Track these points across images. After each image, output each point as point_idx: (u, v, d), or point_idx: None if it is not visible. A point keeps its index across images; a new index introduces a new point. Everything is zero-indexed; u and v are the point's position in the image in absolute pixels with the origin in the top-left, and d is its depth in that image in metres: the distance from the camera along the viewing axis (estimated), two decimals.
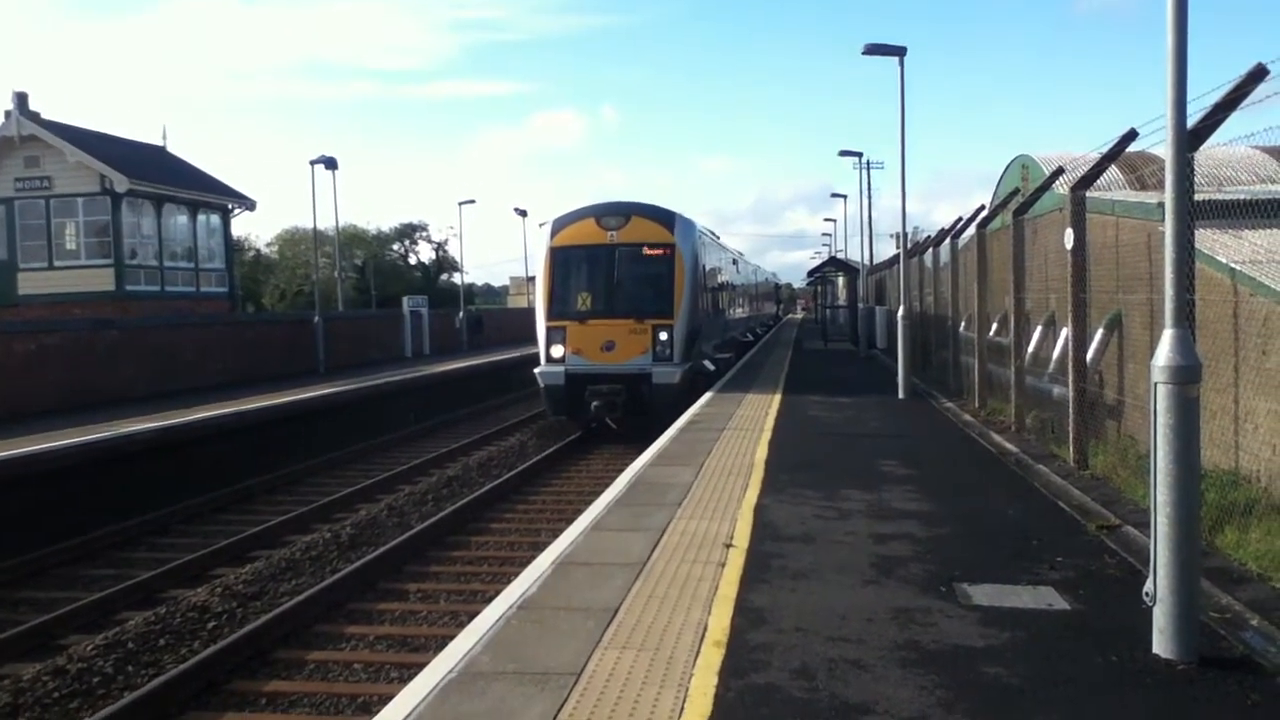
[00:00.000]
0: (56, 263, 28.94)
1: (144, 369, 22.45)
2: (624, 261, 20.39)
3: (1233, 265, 8.76)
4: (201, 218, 32.38)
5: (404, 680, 6.52)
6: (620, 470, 12.14)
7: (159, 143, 35.13)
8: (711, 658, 5.33)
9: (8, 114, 28.44)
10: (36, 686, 7.82)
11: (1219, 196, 10.61)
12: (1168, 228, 5.25)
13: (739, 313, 35.15)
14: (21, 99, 28.52)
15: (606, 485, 11.08)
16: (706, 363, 22.69)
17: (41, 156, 28.59)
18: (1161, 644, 5.20)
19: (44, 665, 8.28)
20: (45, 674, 8.05)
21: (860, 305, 38.56)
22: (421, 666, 5.54)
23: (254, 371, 26.43)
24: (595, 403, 19.46)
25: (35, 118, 28.68)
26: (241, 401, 20.37)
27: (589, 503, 10.16)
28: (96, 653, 8.51)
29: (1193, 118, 6.25)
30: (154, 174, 30.54)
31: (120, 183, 28.04)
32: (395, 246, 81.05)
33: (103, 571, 11.98)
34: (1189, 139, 5.83)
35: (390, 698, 5.10)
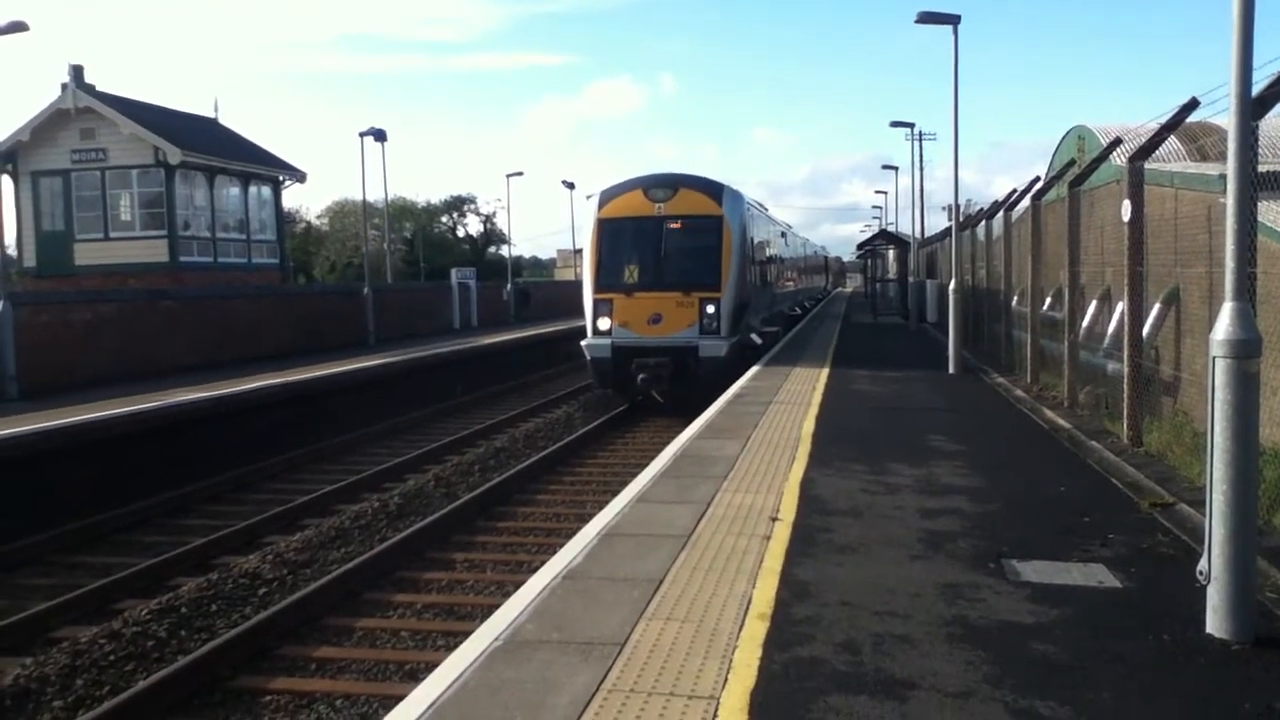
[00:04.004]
0: (112, 234, 29.38)
1: (197, 339, 22.76)
2: (671, 233, 20.27)
3: None
4: (253, 189, 32.70)
5: (450, 648, 6.57)
6: (666, 443, 12.13)
7: (211, 114, 35.49)
8: (756, 630, 5.31)
9: (64, 86, 28.81)
10: (94, 649, 7.99)
11: None
12: (1229, 199, 5.11)
13: (787, 286, 34.93)
14: (77, 71, 28.88)
15: (652, 458, 11.06)
16: (753, 336, 22.58)
17: (97, 129, 28.98)
18: (1215, 623, 5.10)
19: (101, 629, 8.45)
20: (102, 637, 8.22)
21: (910, 279, 38.20)
22: (467, 635, 5.57)
23: (305, 342, 26.72)
24: (641, 375, 19.44)
25: (90, 90, 29.06)
26: (292, 372, 20.60)
27: (635, 475, 10.15)
28: (151, 617, 8.67)
29: (1258, 85, 6.06)
30: (206, 146, 30.86)
31: (173, 154, 28.37)
32: (444, 219, 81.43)
33: (157, 538, 12.20)
34: (1254, 106, 5.66)
35: (436, 665, 5.14)
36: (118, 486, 13.79)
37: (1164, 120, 10.15)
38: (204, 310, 23.67)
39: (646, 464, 10.62)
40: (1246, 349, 4.97)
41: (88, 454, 13.98)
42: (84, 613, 9.29)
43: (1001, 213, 20.18)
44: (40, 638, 8.69)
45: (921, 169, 50.70)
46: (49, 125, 29.05)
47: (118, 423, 14.66)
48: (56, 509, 12.63)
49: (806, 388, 16.14)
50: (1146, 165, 10.88)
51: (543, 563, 6.99)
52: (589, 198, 21.83)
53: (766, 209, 30.15)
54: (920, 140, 47.86)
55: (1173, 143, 15.97)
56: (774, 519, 7.74)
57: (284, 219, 37.58)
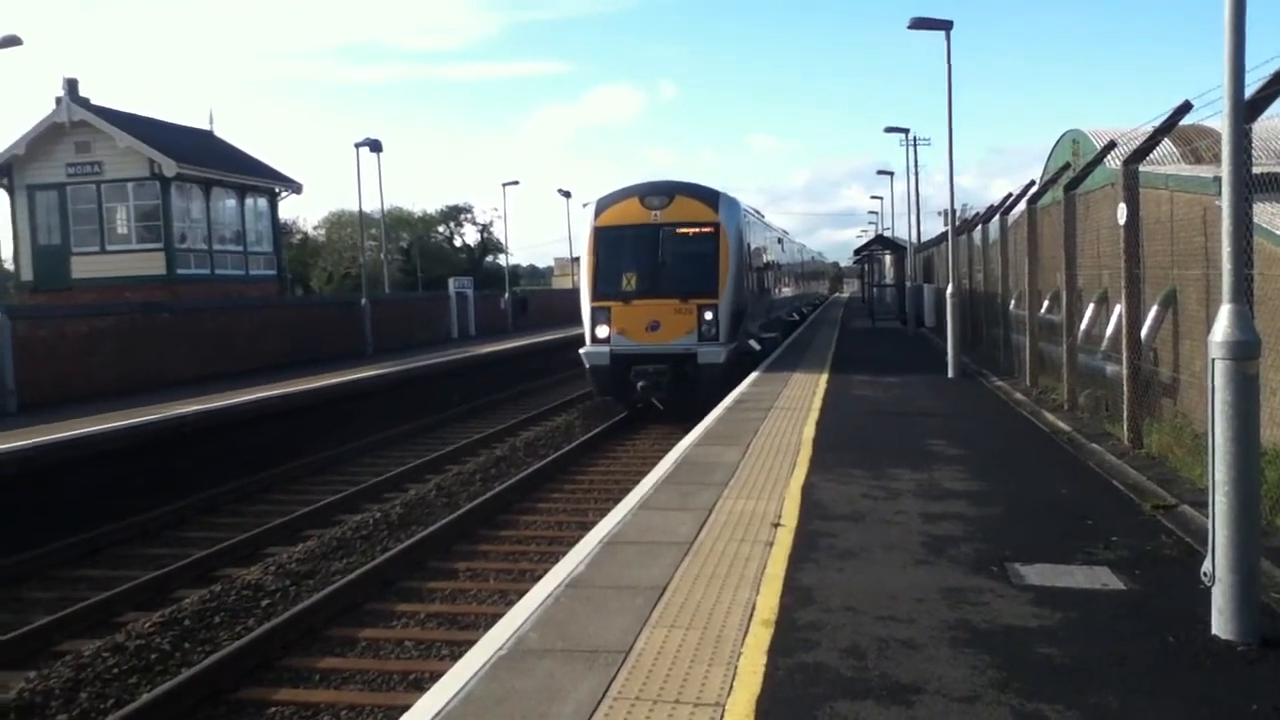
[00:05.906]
0: (108, 247, 29.34)
1: (195, 352, 22.76)
2: (668, 241, 20.31)
3: None
4: (249, 201, 32.68)
5: (454, 657, 6.58)
6: (667, 450, 12.14)
7: (206, 127, 35.47)
8: (760, 636, 5.32)
9: (59, 100, 28.77)
10: (97, 663, 7.98)
11: (1278, 169, 10.37)
12: (1224, 201, 5.13)
13: (785, 292, 34.97)
14: (72, 85, 28.85)
15: (653, 465, 11.07)
16: (752, 342, 22.60)
17: (92, 142, 28.96)
18: (1220, 624, 5.11)
19: (104, 642, 8.44)
20: (105, 650, 8.21)
21: (908, 283, 38.23)
22: (471, 644, 5.57)
23: (303, 353, 26.70)
24: (641, 383, 19.45)
25: (85, 103, 29.03)
26: (291, 383, 20.59)
27: (636, 482, 10.16)
28: (154, 630, 8.66)
29: (1251, 87, 6.09)
30: (202, 158, 30.85)
31: (169, 167, 28.36)
32: (440, 229, 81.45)
33: (158, 550, 12.18)
34: (1247, 109, 5.69)
35: (441, 674, 5.14)
36: (117, 499, 13.76)
37: (1158, 123, 10.18)
38: (201, 322, 23.68)
39: (647, 471, 10.63)
40: (1245, 350, 4.99)
41: (87, 467, 13.97)
42: (87, 625, 9.27)
43: (997, 217, 20.23)
44: (44, 651, 8.67)
45: (916, 174, 50.90)
46: (44, 139, 29.02)
47: (116, 436, 14.65)
48: (57, 522, 12.61)
49: (806, 393, 16.16)
50: (1141, 168, 10.91)
51: (545, 571, 6.98)
52: (585, 206, 21.86)
53: (763, 215, 30.21)
54: (915, 145, 47.73)
55: (1166, 145, 16.00)
56: (776, 525, 7.75)
57: (280, 230, 37.51)
